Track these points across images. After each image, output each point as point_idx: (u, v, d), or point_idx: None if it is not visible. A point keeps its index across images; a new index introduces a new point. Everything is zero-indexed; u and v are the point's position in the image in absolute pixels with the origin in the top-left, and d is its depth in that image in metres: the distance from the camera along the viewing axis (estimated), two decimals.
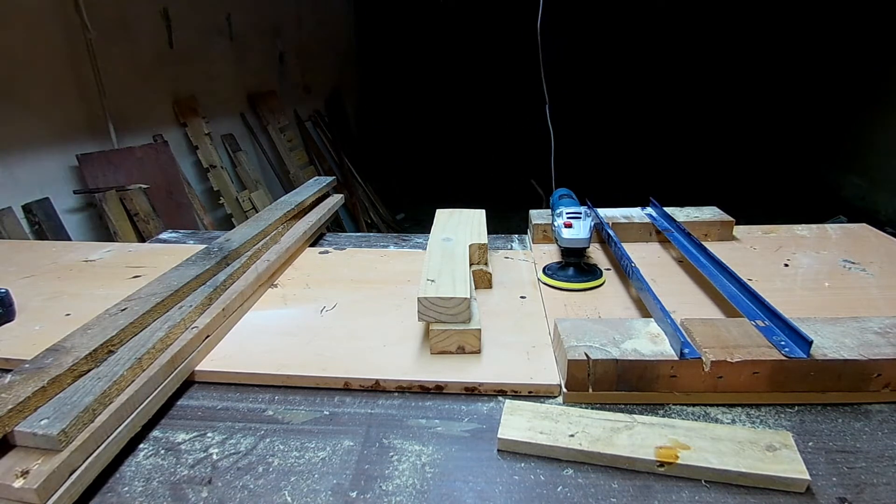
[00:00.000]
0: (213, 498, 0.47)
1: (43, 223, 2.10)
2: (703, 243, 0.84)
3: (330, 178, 1.28)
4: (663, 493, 0.46)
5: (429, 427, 0.55)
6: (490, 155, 5.75)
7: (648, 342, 0.57)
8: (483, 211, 0.98)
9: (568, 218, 0.82)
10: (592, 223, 0.82)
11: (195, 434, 0.55)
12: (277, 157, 3.81)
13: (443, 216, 0.96)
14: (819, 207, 4.14)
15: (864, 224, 1.05)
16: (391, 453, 0.51)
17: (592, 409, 0.56)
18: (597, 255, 0.94)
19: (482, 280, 0.82)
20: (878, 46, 3.99)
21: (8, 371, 0.54)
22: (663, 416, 0.54)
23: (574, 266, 0.83)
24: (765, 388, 0.56)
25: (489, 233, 0.90)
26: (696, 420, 0.54)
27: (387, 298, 0.80)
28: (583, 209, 0.86)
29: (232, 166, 3.33)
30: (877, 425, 0.53)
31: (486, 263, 0.83)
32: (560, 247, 0.83)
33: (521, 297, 0.79)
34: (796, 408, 0.56)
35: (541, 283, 0.83)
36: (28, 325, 0.74)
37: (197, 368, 0.63)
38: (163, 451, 0.52)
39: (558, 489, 0.47)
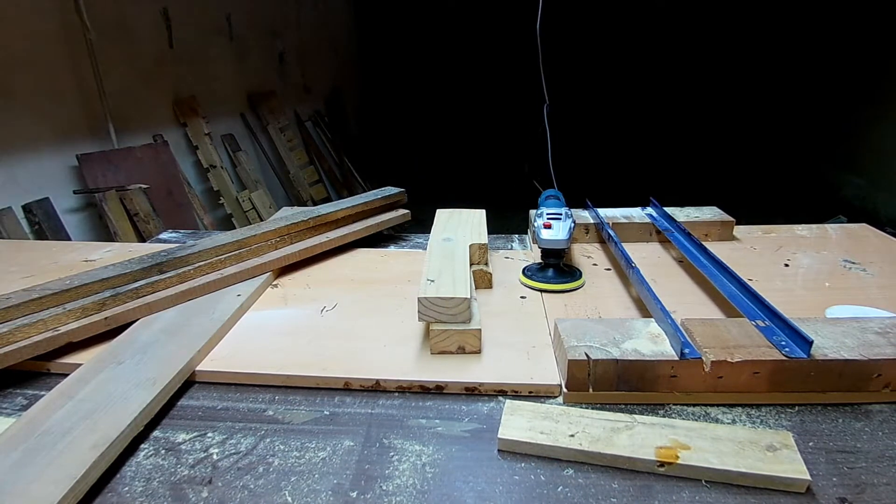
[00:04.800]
0: (214, 498, 0.47)
1: (43, 223, 2.10)
2: (704, 243, 0.84)
3: (397, 190, 1.10)
4: (663, 493, 0.46)
5: (429, 427, 0.55)
6: (490, 154, 5.75)
7: (649, 342, 0.57)
8: (483, 211, 0.98)
9: (548, 219, 0.82)
10: (573, 225, 0.82)
11: (195, 434, 0.55)
12: (277, 157, 3.81)
13: (443, 216, 0.96)
14: (819, 207, 4.14)
15: (864, 224, 1.05)
16: (391, 453, 0.51)
17: (593, 409, 0.56)
18: (597, 255, 0.94)
19: (482, 280, 0.82)
20: (877, 46, 3.99)
21: None
22: (663, 416, 0.54)
23: (553, 267, 0.83)
24: (765, 388, 0.56)
25: (489, 233, 0.90)
26: (696, 420, 0.54)
27: (387, 298, 0.80)
28: (563, 210, 0.86)
29: (232, 166, 3.33)
30: (877, 425, 0.53)
31: (486, 263, 0.84)
32: (539, 247, 0.84)
33: (521, 298, 0.79)
34: (796, 408, 0.56)
35: (520, 284, 0.84)
36: None
37: (197, 368, 0.63)
38: (163, 451, 0.52)
39: (559, 489, 0.47)
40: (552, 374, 0.60)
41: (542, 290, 0.81)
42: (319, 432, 0.55)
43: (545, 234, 0.80)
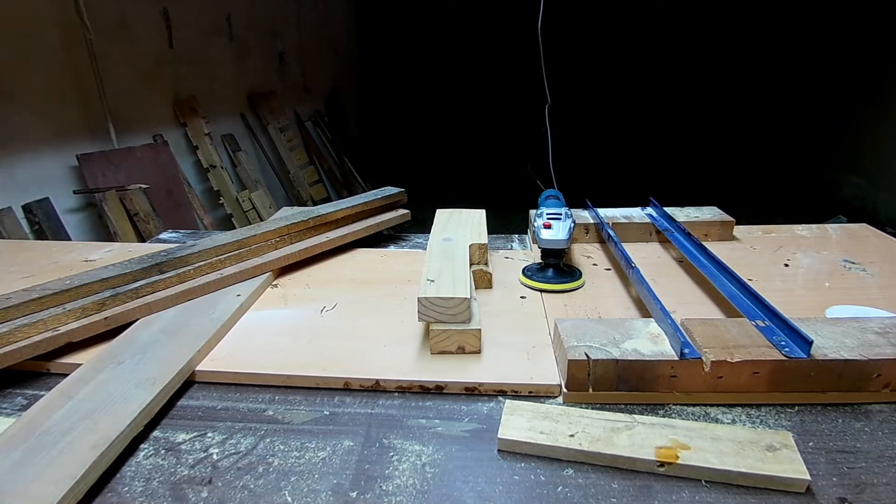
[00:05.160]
0: (213, 498, 0.47)
1: (43, 223, 2.10)
2: (703, 243, 0.84)
3: (397, 190, 1.10)
4: (663, 493, 0.46)
5: (429, 427, 0.55)
6: (490, 154, 5.75)
7: (648, 342, 0.57)
8: (483, 211, 0.98)
9: (548, 219, 0.82)
10: (573, 225, 0.82)
11: (195, 434, 0.55)
12: (277, 157, 3.81)
13: (443, 216, 0.96)
14: (819, 207, 4.14)
15: (864, 224, 1.05)
16: (391, 453, 0.51)
17: (592, 409, 0.56)
18: (597, 255, 0.94)
19: (482, 280, 0.82)
20: (877, 46, 3.99)
21: None
22: (663, 416, 0.54)
23: (553, 267, 0.83)
24: (765, 388, 0.56)
25: (489, 233, 0.90)
26: (696, 420, 0.54)
27: (387, 298, 0.80)
28: (563, 210, 0.86)
29: (232, 166, 3.33)
30: (877, 425, 0.53)
31: (486, 263, 0.84)
32: (539, 247, 0.84)
33: (521, 297, 0.79)
34: (796, 408, 0.56)
35: (520, 284, 0.84)
36: None
37: (197, 368, 0.63)
38: (163, 451, 0.52)
39: (558, 489, 0.47)
40: (552, 374, 0.60)
41: (542, 290, 0.81)
42: (319, 432, 0.55)
43: (545, 234, 0.80)
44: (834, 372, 0.54)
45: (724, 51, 5.47)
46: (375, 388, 0.61)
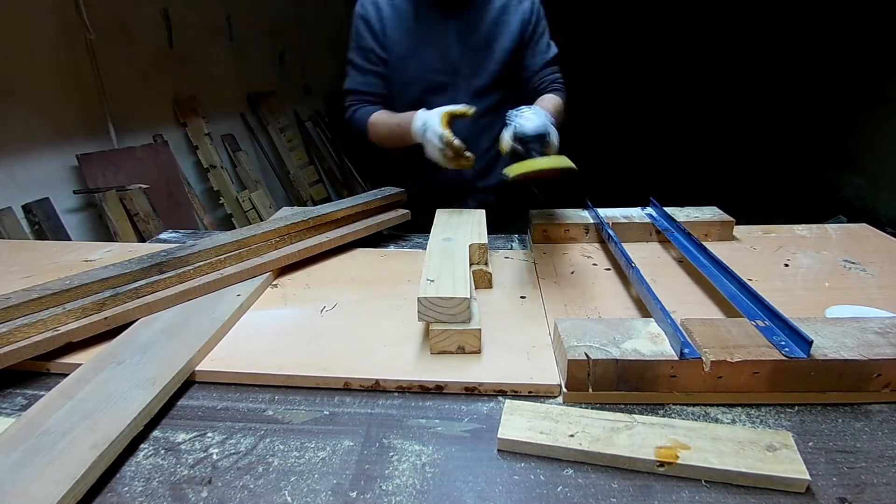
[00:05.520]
0: (213, 498, 0.47)
1: (43, 223, 2.10)
2: (703, 243, 0.84)
3: (397, 190, 1.11)
4: (663, 493, 0.46)
5: (429, 427, 0.55)
6: None
7: (648, 342, 0.57)
8: (483, 211, 0.98)
9: (526, 110, 0.76)
10: (554, 121, 0.75)
11: (195, 434, 0.55)
12: (277, 157, 3.81)
13: (443, 216, 0.96)
14: (819, 207, 4.13)
15: (864, 224, 1.06)
16: (391, 453, 0.51)
17: (592, 409, 0.56)
18: (597, 255, 0.94)
19: (482, 280, 0.82)
20: (877, 46, 3.99)
21: None
22: (663, 416, 0.54)
23: (536, 153, 0.76)
24: (765, 388, 0.56)
25: (489, 233, 0.90)
26: (696, 420, 0.54)
27: (387, 298, 0.80)
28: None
29: (232, 166, 3.33)
30: (877, 425, 0.53)
31: (486, 263, 0.84)
32: (518, 138, 0.76)
33: (521, 297, 0.79)
34: (796, 408, 0.56)
35: (509, 180, 0.77)
36: None
37: (197, 368, 0.63)
38: (163, 451, 0.52)
39: (558, 489, 0.47)
40: (552, 374, 0.60)
41: (529, 174, 0.74)
42: (319, 432, 0.55)
43: (526, 120, 0.73)
44: (834, 372, 0.54)
45: (724, 51, 5.46)
46: (375, 388, 0.61)
